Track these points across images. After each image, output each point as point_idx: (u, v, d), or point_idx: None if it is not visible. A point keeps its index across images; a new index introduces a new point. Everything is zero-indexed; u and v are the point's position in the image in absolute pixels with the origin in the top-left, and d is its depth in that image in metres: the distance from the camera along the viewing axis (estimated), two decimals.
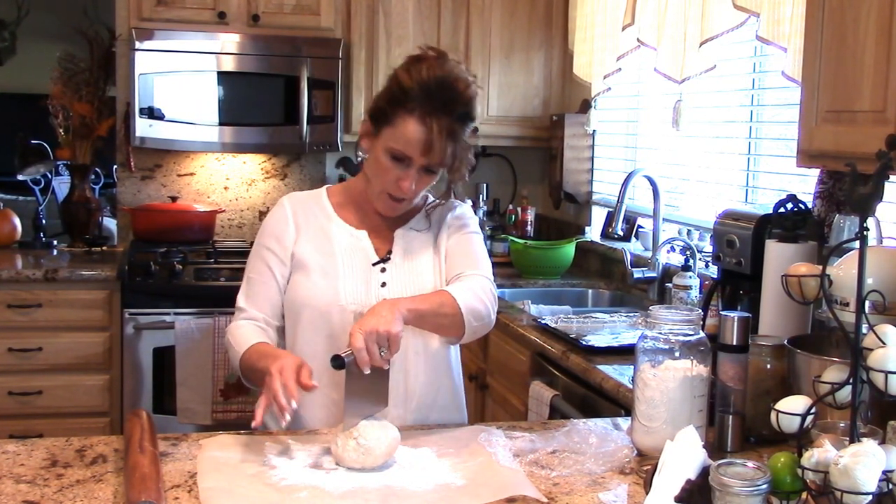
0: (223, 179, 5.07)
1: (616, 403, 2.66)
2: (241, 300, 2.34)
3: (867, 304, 1.71)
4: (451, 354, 2.38)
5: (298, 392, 1.95)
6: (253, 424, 1.95)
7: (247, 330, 2.27)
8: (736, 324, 2.05)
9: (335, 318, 2.25)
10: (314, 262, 2.28)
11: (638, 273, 3.89)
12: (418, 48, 2.26)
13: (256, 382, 2.18)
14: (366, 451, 1.90)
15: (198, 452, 1.98)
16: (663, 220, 4.04)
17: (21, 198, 6.42)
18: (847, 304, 1.87)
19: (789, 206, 2.49)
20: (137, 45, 4.49)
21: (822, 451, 1.56)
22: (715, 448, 2.05)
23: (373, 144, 2.24)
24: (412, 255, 2.33)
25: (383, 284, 2.28)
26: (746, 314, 2.09)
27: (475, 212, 4.99)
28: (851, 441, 1.61)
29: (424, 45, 2.28)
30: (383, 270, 2.30)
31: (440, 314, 2.18)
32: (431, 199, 2.42)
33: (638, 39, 3.96)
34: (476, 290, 2.25)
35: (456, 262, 2.34)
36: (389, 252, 2.32)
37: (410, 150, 2.17)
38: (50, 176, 5.15)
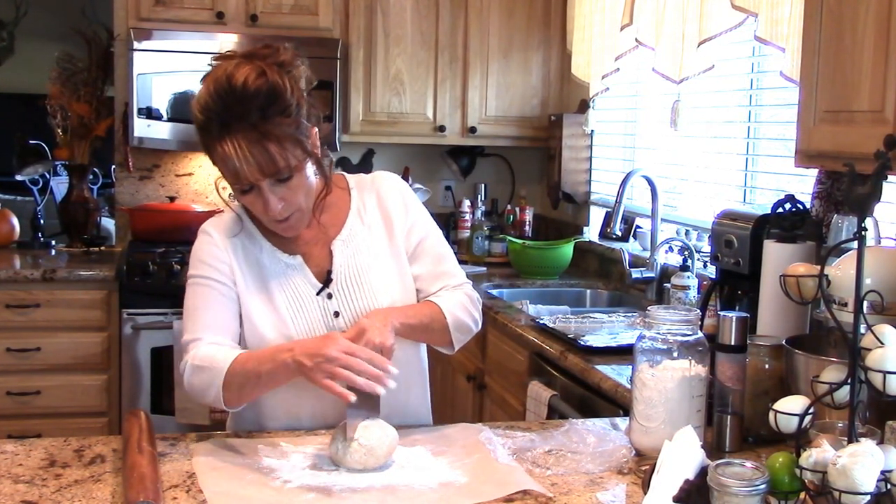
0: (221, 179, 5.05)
1: (614, 403, 2.66)
2: (189, 334, 2.08)
3: (865, 304, 1.71)
4: (422, 357, 2.32)
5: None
6: (352, 399, 1.88)
7: (216, 349, 2.05)
8: (734, 324, 2.05)
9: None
10: (258, 311, 2.11)
11: (636, 273, 3.89)
12: (208, 63, 2.04)
13: (260, 387, 2.03)
14: (368, 452, 1.90)
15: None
16: (661, 220, 4.04)
17: (19, 198, 6.42)
18: (845, 305, 1.87)
19: (787, 206, 2.49)
20: (136, 45, 4.49)
21: (821, 452, 1.56)
22: (713, 448, 2.05)
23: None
24: (357, 268, 2.17)
25: (336, 314, 2.14)
26: (745, 314, 2.09)
27: (474, 213, 5.05)
28: (850, 441, 1.62)
29: (212, 57, 2.06)
30: (330, 296, 2.14)
31: (430, 328, 2.16)
32: (352, 181, 2.24)
33: (636, 39, 3.96)
34: (465, 303, 2.22)
35: (430, 277, 2.23)
36: (329, 273, 2.16)
37: (237, 181, 1.98)
38: (48, 176, 5.15)
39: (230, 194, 2.12)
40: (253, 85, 1.93)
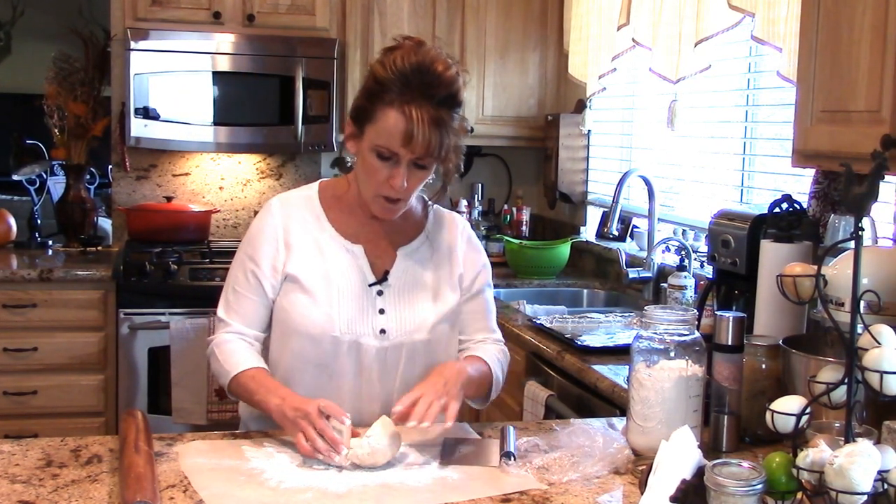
0: (218, 179, 5.07)
1: (611, 403, 2.66)
2: (224, 312, 2.23)
3: (862, 304, 1.71)
4: (452, 356, 2.32)
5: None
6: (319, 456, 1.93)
7: (237, 346, 2.19)
8: (731, 324, 2.06)
9: (327, 348, 2.17)
10: (308, 283, 2.17)
11: (633, 273, 3.89)
12: (393, 39, 2.14)
13: (250, 405, 2.17)
14: (373, 453, 1.92)
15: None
16: (658, 220, 4.04)
17: (16, 198, 6.42)
18: (842, 305, 1.87)
19: (784, 206, 2.49)
20: (132, 44, 4.48)
21: (818, 452, 1.57)
22: (710, 448, 2.05)
23: (359, 146, 2.13)
24: (414, 279, 2.23)
25: (381, 311, 2.18)
26: (741, 314, 2.10)
27: (471, 213, 5.05)
28: (846, 441, 1.62)
29: (400, 35, 2.17)
30: (380, 293, 2.20)
31: (480, 386, 2.22)
32: (431, 207, 2.33)
33: (633, 39, 3.96)
34: (503, 363, 2.32)
35: (473, 324, 2.32)
36: (387, 273, 2.22)
37: (394, 144, 2.04)
38: (45, 176, 5.15)
39: (348, 158, 2.23)
40: (450, 76, 2.07)
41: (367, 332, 2.17)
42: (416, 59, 2.05)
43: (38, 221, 4.93)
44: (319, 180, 2.34)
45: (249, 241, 2.24)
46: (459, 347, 2.31)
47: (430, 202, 2.34)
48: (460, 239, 2.32)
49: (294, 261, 2.19)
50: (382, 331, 2.18)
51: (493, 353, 2.29)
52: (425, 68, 2.04)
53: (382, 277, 2.21)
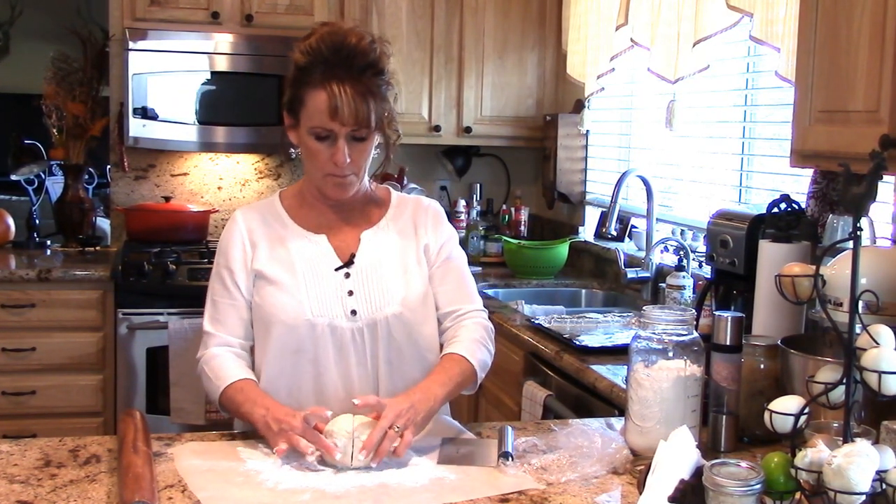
0: (216, 179, 5.07)
1: (609, 403, 2.66)
2: (208, 325, 2.27)
3: (861, 304, 1.71)
4: (432, 334, 2.31)
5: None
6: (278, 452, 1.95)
7: (224, 361, 2.21)
8: (729, 324, 2.06)
9: (304, 333, 2.17)
10: (275, 276, 2.20)
11: (631, 273, 3.89)
12: (312, 27, 2.21)
13: (238, 418, 2.18)
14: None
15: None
16: (657, 220, 4.04)
17: (14, 198, 6.42)
18: (840, 305, 1.87)
19: (783, 206, 2.49)
20: (131, 45, 4.48)
21: (816, 452, 1.57)
22: (708, 448, 2.06)
23: (298, 134, 2.19)
24: (380, 259, 2.24)
25: (350, 293, 2.20)
26: (740, 314, 2.10)
27: (469, 213, 5.05)
28: (845, 441, 1.62)
29: (317, 22, 2.20)
30: (347, 276, 2.22)
31: (462, 385, 2.19)
32: (395, 193, 2.36)
33: (631, 39, 3.96)
34: (484, 340, 2.26)
35: (450, 294, 2.28)
36: (353, 255, 2.24)
37: (324, 121, 2.10)
38: (43, 176, 5.16)
39: (293, 149, 2.30)
40: (364, 46, 2.12)
41: (339, 314, 2.18)
42: (330, 39, 2.11)
43: (37, 221, 4.93)
44: (280, 190, 2.39)
45: (220, 251, 2.29)
46: (440, 327, 2.29)
47: (393, 194, 2.36)
48: (424, 214, 2.33)
49: (259, 257, 2.23)
50: (353, 311, 2.18)
51: (471, 338, 2.24)
52: (339, 44, 2.10)
53: (349, 261, 2.23)
